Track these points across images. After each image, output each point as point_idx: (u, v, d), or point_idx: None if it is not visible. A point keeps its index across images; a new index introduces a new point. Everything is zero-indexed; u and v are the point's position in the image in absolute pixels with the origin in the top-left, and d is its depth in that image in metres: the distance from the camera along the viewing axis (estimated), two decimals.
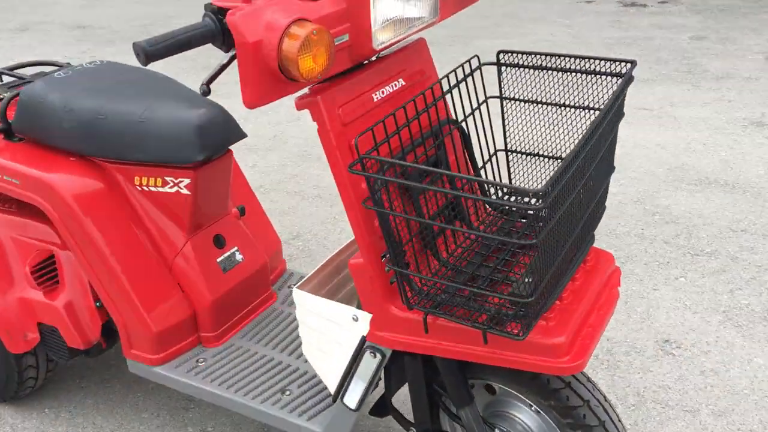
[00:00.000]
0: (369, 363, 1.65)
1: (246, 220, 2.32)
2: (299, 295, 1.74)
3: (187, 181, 1.99)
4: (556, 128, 1.79)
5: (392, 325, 1.58)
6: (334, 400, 1.77)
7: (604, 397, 1.67)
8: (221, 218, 2.20)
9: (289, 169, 4.07)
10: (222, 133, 1.99)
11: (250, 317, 2.24)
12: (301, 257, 3.23)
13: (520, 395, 1.72)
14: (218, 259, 2.15)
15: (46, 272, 2.17)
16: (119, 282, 2.00)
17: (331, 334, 1.70)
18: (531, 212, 1.26)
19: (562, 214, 1.36)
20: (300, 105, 1.50)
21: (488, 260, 1.66)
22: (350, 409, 1.73)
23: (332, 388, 1.77)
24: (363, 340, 1.64)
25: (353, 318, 1.64)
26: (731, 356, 2.55)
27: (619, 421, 1.68)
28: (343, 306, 1.66)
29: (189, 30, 1.37)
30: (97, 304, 2.12)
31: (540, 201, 1.21)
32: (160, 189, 2.03)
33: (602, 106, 1.67)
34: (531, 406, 1.76)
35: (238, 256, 2.21)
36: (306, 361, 2.05)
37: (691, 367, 2.51)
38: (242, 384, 1.99)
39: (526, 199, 1.77)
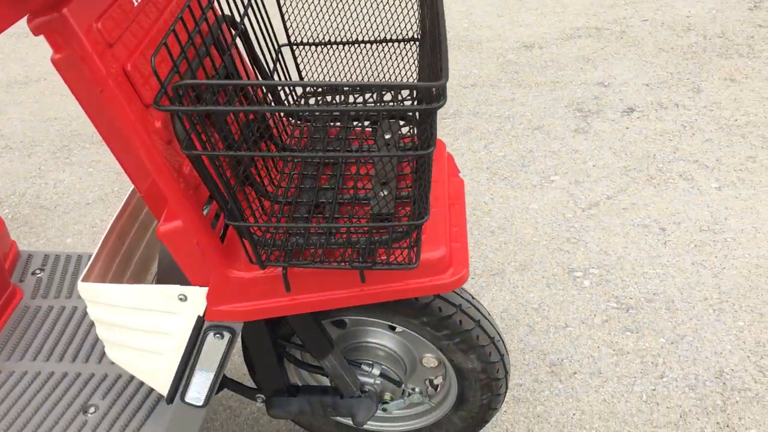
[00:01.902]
0: (214, 347, 1.29)
1: None
2: (89, 290, 1.28)
3: None
4: (335, 11, 1.49)
5: (238, 293, 1.23)
6: (171, 401, 1.39)
7: (471, 295, 1.53)
8: None
9: None
10: None
11: None
12: (17, 228, 2.57)
13: (382, 322, 1.51)
14: None
15: None
16: None
17: (149, 326, 1.29)
18: (429, 111, 0.98)
19: None
20: (38, 29, 1.00)
21: (321, 181, 1.36)
22: (197, 406, 1.37)
23: (164, 389, 1.38)
24: (200, 321, 1.27)
25: (180, 298, 1.25)
26: (510, 209, 2.60)
27: (489, 314, 1.56)
28: (160, 287, 1.25)
29: None
30: None
31: (442, 97, 0.94)
32: None
33: None
34: (392, 328, 1.57)
35: None
36: (100, 361, 1.61)
37: (481, 230, 2.51)
38: (23, 420, 1.49)
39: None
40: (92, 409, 1.50)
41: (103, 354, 1.62)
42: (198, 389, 1.35)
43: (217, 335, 1.27)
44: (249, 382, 1.92)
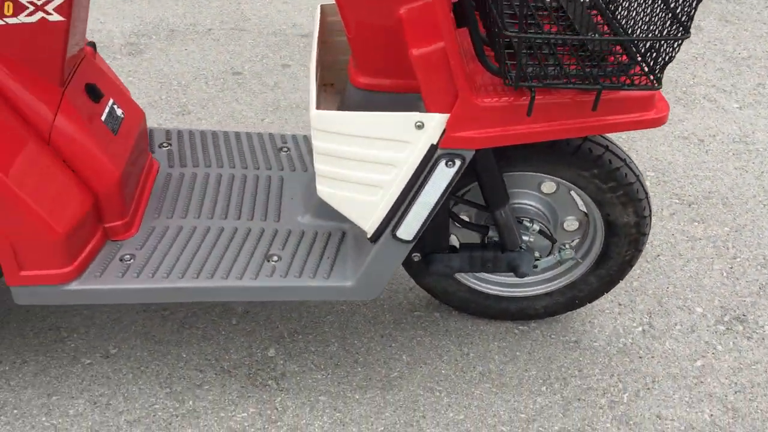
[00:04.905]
0: (443, 176, 1.35)
1: None
2: (324, 118, 1.31)
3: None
4: None
5: (480, 119, 1.29)
6: (375, 239, 1.44)
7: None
8: (80, 58, 1.52)
9: None
10: None
11: (146, 191, 1.67)
12: None
13: (549, 176, 1.61)
14: (102, 118, 1.51)
15: None
16: None
17: (377, 156, 1.34)
18: None
19: None
20: None
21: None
22: (405, 241, 1.43)
23: (372, 226, 1.42)
24: (432, 149, 1.33)
25: (417, 125, 1.30)
26: None
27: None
28: (399, 114, 1.30)
29: None
30: None
31: None
32: (11, 20, 1.30)
33: None
34: (540, 185, 1.66)
35: (118, 111, 1.58)
36: (265, 219, 1.62)
37: None
38: (210, 267, 1.49)
39: None
40: (275, 258, 1.53)
41: (266, 210, 1.64)
42: (411, 223, 1.40)
43: (449, 163, 1.33)
44: None
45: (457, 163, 1.34)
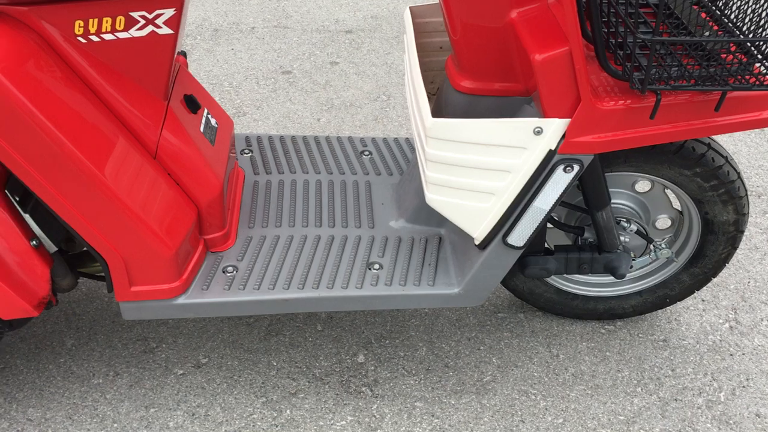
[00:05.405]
0: (560, 182, 1.33)
1: None
2: (442, 126, 1.29)
3: (170, 12, 1.28)
4: None
5: (600, 123, 1.27)
6: (485, 246, 1.42)
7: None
8: (176, 69, 1.50)
9: None
10: None
11: (237, 200, 1.65)
12: None
13: (648, 176, 1.58)
14: (200, 129, 1.49)
15: None
16: (102, 191, 1.26)
17: (492, 163, 1.32)
18: None
19: None
20: None
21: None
22: (516, 247, 1.41)
23: (482, 233, 1.40)
24: (550, 155, 1.30)
25: (535, 131, 1.28)
26: None
27: None
28: (517, 120, 1.28)
29: None
30: (33, 243, 1.34)
31: None
32: (122, 35, 1.27)
33: None
34: (634, 184, 1.63)
35: (213, 121, 1.56)
36: (359, 225, 1.60)
37: None
38: (313, 277, 1.48)
39: None
40: (377, 266, 1.51)
41: (359, 217, 1.62)
42: (523, 230, 1.39)
43: (567, 168, 1.31)
44: None
45: (576, 168, 1.32)
